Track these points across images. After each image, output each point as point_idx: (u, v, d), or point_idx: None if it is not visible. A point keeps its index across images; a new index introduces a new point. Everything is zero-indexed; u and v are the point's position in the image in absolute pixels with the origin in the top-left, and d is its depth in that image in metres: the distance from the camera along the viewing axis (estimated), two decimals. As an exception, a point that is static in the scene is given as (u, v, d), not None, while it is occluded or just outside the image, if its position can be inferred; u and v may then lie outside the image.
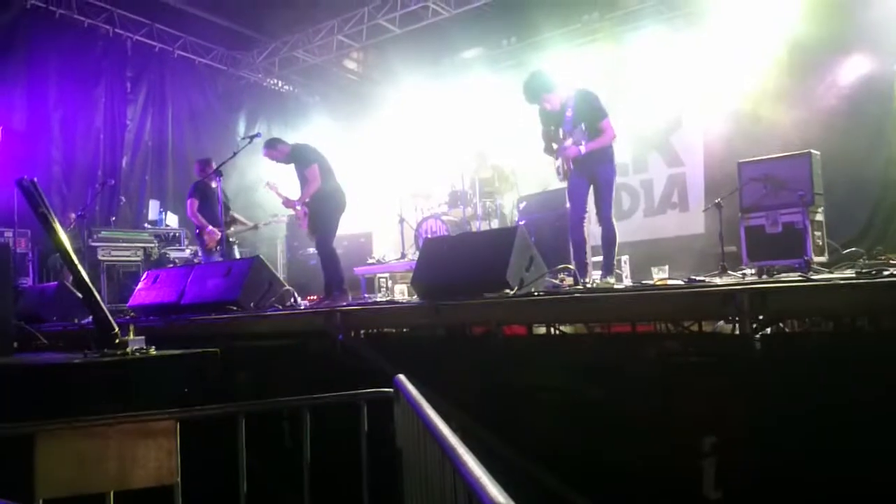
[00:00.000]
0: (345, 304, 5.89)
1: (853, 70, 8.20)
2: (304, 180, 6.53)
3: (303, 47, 12.01)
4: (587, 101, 5.65)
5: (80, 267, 4.03)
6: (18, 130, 9.26)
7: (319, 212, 6.48)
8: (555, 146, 5.81)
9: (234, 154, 7.60)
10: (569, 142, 5.62)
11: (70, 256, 3.97)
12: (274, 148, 6.66)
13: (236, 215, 8.46)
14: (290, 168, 6.74)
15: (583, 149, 5.54)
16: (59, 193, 9.65)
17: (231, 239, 8.23)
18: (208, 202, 7.86)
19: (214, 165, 7.84)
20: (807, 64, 8.56)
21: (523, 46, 11.24)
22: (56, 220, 3.95)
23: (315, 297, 7.25)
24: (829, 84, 8.33)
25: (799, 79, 8.62)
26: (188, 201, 7.93)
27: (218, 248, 7.71)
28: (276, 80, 13.16)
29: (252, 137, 7.44)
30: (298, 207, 6.60)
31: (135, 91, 11.01)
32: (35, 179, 3.83)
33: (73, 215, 8.96)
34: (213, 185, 7.82)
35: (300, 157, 6.56)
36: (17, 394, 3.44)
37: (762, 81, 8.79)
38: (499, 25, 11.08)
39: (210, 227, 7.75)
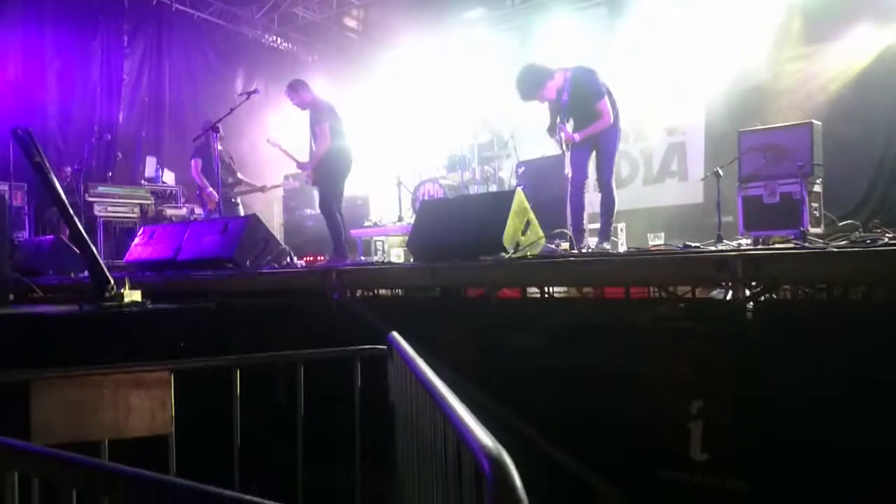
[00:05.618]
0: (341, 263, 5.90)
1: (857, 39, 8.09)
2: (314, 135, 6.50)
3: (302, 3, 11.84)
4: (582, 84, 5.56)
5: (76, 220, 4.02)
6: (14, 83, 9.14)
7: (321, 171, 6.45)
8: (559, 121, 5.74)
9: (231, 110, 7.51)
10: (569, 126, 5.57)
11: (65, 206, 3.96)
12: (296, 90, 6.56)
13: (241, 176, 8.41)
14: (294, 122, 6.65)
15: (577, 137, 5.50)
16: (55, 148, 9.54)
17: (234, 200, 8.20)
18: (210, 162, 7.82)
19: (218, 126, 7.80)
20: (810, 33, 8.46)
21: (527, 7, 11.06)
22: (52, 172, 3.94)
23: (312, 258, 7.24)
24: (832, 53, 8.23)
25: (802, 48, 8.52)
26: (192, 161, 7.91)
27: (216, 209, 7.69)
28: (274, 38, 12.96)
29: (250, 94, 7.37)
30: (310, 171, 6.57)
31: (132, 45, 10.83)
32: (30, 129, 3.80)
33: (69, 169, 8.90)
34: (220, 146, 7.80)
35: (316, 111, 6.48)
36: (12, 345, 3.47)
37: (765, 50, 8.69)
38: (502, -15, 10.94)
39: (210, 189, 7.74)
